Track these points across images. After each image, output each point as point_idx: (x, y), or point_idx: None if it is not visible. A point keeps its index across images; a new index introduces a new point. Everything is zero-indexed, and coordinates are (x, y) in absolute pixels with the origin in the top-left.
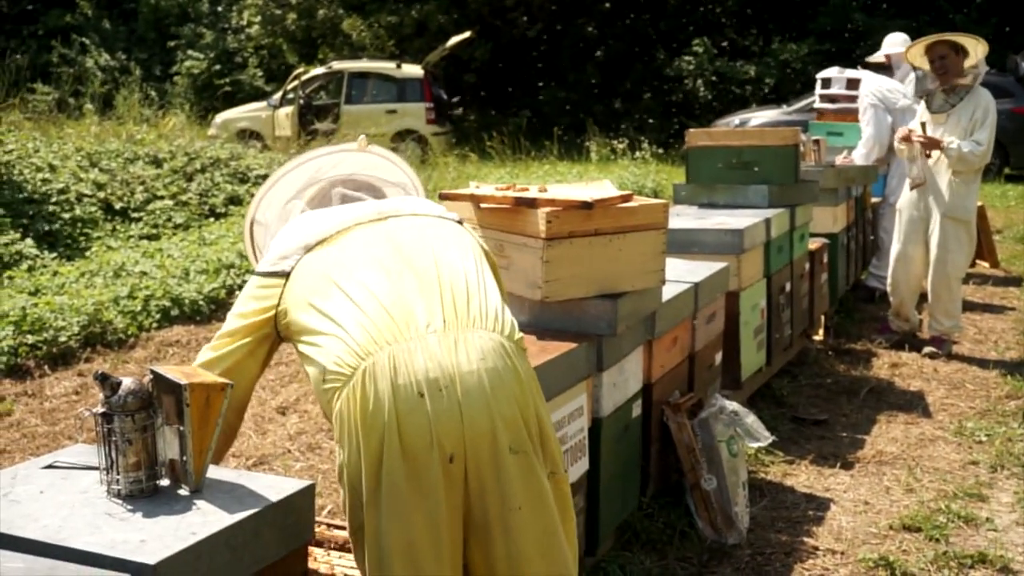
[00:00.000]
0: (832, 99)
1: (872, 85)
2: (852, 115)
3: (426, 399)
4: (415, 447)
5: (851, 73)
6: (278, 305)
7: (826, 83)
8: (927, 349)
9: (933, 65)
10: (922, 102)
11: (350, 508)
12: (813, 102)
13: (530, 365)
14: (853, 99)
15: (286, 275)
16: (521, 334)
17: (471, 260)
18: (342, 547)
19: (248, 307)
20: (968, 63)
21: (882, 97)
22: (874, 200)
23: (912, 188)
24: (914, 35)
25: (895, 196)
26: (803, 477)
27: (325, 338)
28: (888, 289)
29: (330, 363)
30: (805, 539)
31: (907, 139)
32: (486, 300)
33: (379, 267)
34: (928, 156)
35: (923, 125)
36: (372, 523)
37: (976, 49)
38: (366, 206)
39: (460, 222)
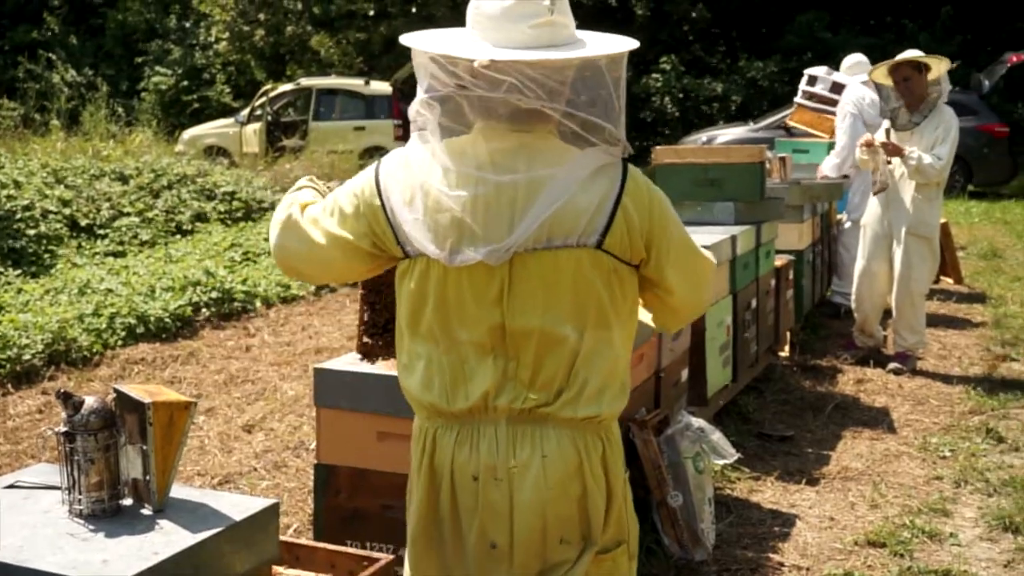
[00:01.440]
0: (813, 97)
1: (855, 95)
2: (826, 120)
3: (479, 484)
4: (464, 519)
5: (838, 76)
6: (394, 257)
7: (812, 80)
8: (892, 365)
9: (898, 86)
10: (886, 120)
11: (408, 509)
12: (780, 119)
13: (612, 446)
14: (833, 103)
15: (405, 255)
16: (614, 413)
17: (586, 332)
18: (306, 566)
19: (367, 229)
20: (931, 78)
21: (862, 109)
22: (837, 217)
23: (875, 193)
24: (878, 53)
25: (857, 213)
26: (769, 493)
27: (410, 370)
28: (852, 305)
29: (410, 393)
30: (771, 555)
31: (869, 145)
32: (580, 395)
33: (478, 340)
34: (888, 163)
35: (887, 132)
36: (412, 557)
37: (939, 66)
38: (505, 214)
39: (600, 243)
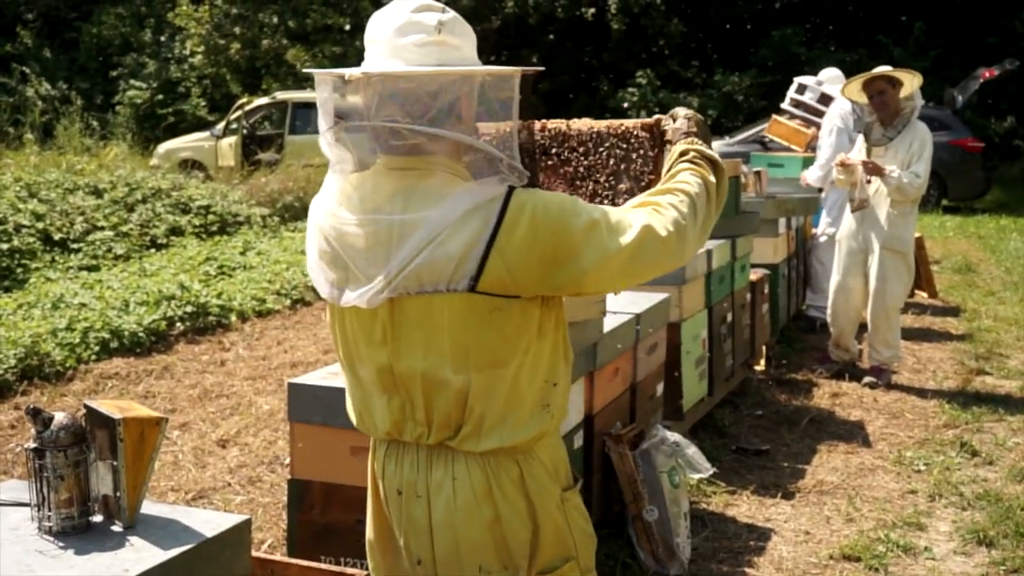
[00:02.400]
0: (800, 105)
1: (843, 108)
2: (801, 134)
3: (402, 499)
4: (394, 530)
5: (828, 88)
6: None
7: (801, 89)
8: (867, 379)
9: (872, 101)
10: (860, 135)
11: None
12: (755, 134)
13: (531, 468)
14: (819, 113)
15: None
16: (524, 438)
17: (470, 373)
18: None
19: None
20: (903, 93)
21: (848, 123)
22: (812, 231)
23: (854, 211)
24: (853, 68)
25: (833, 227)
26: (745, 507)
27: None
28: (828, 320)
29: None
30: (747, 569)
31: (845, 164)
32: (479, 429)
33: (376, 380)
34: (869, 182)
35: (868, 150)
36: (370, 555)
37: (912, 81)
38: (391, 250)
39: (472, 287)
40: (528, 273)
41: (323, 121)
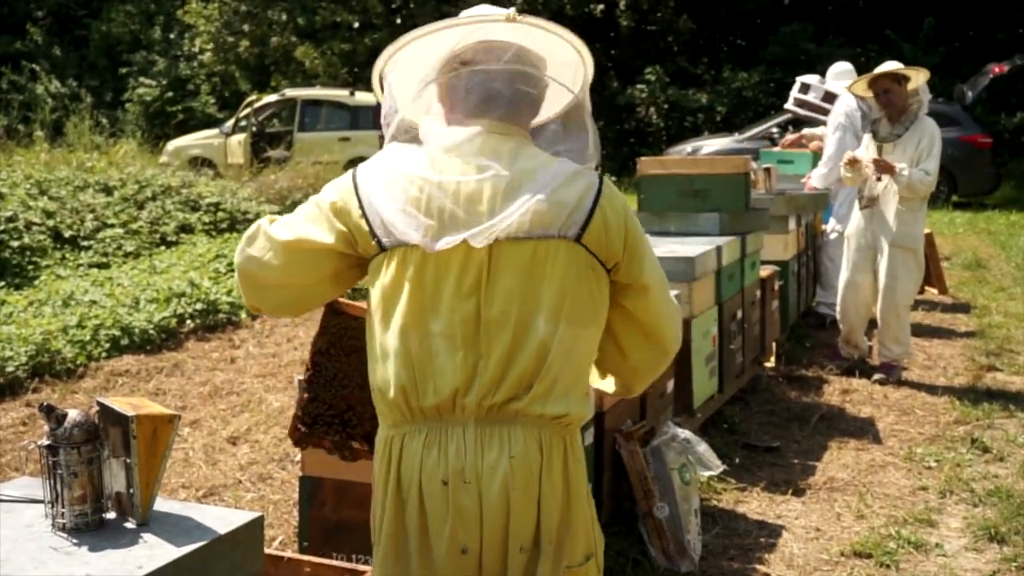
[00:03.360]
0: (804, 105)
1: (847, 105)
2: (812, 129)
3: (449, 488)
4: (432, 528)
5: (831, 86)
6: (364, 256)
7: (804, 88)
8: (877, 376)
9: (878, 98)
10: (868, 133)
11: (373, 530)
12: (765, 130)
13: (571, 448)
14: (825, 112)
15: (381, 248)
16: (580, 417)
17: (563, 322)
18: None
19: (340, 227)
20: (910, 88)
21: (853, 120)
22: (822, 227)
23: (863, 208)
24: (862, 64)
25: (843, 224)
26: (755, 504)
27: (379, 366)
28: (838, 316)
29: (379, 393)
30: (757, 566)
31: (853, 163)
32: (549, 392)
33: (451, 332)
34: (879, 179)
35: (878, 148)
36: (381, 568)
37: (918, 77)
38: (487, 200)
39: (579, 236)
40: (617, 241)
41: (431, 71)
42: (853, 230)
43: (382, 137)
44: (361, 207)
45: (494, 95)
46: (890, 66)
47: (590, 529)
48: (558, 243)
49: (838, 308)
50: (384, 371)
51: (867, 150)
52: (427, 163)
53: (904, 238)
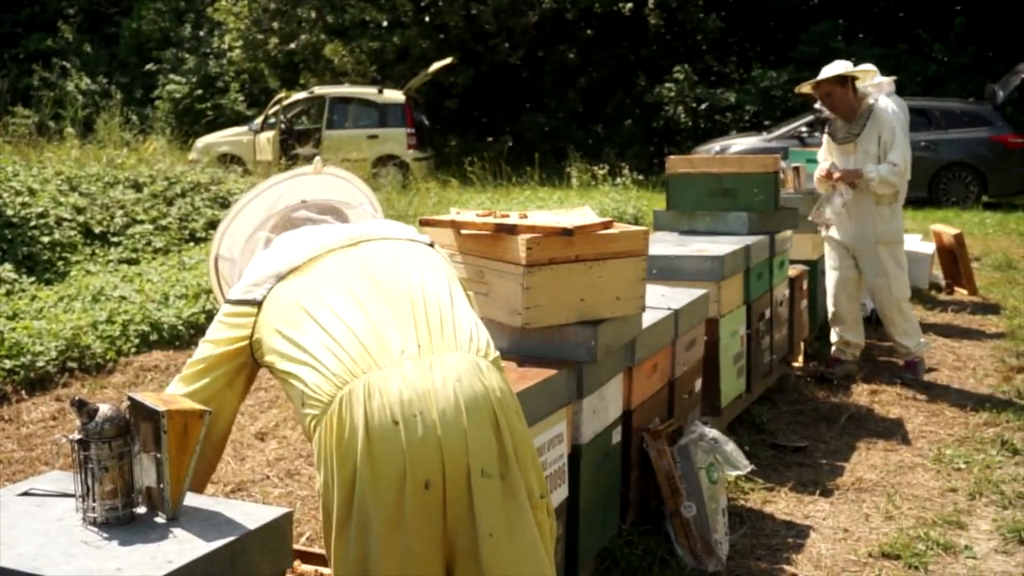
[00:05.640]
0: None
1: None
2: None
3: (400, 426)
4: (388, 476)
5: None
6: (251, 335)
7: None
8: (903, 376)
9: (824, 102)
10: (826, 136)
11: (325, 534)
12: (793, 129)
13: (507, 383)
14: None
15: (258, 304)
16: (497, 352)
17: (443, 280)
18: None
19: (221, 335)
20: (860, 85)
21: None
22: None
23: (821, 226)
24: (892, 63)
25: None
26: (783, 504)
27: (301, 367)
28: (829, 320)
29: (308, 392)
30: (785, 567)
31: (828, 177)
32: (459, 320)
33: (351, 295)
34: (853, 186)
35: (856, 156)
36: (341, 552)
37: (863, 75)
38: (337, 231)
39: (431, 244)
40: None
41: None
42: (827, 232)
43: (409, 134)
44: (229, 303)
45: (314, 223)
46: (832, 70)
47: (539, 466)
48: (418, 244)
49: (830, 310)
50: (306, 368)
51: (826, 154)
52: (273, 244)
53: (887, 234)
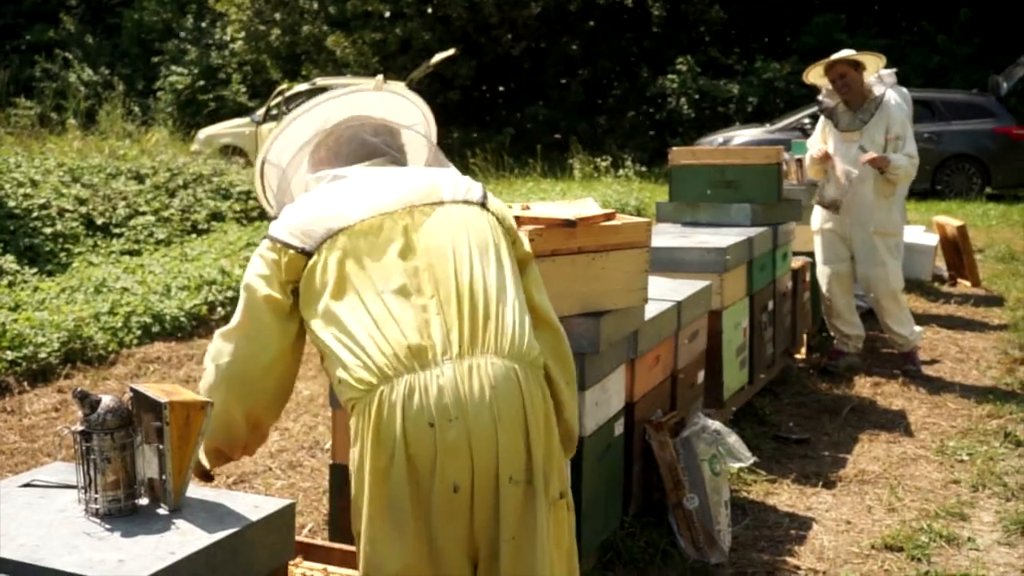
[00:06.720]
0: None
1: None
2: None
3: (435, 429)
4: (421, 474)
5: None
6: (298, 281)
7: None
8: (904, 367)
9: (835, 84)
10: (820, 120)
11: (353, 512)
12: (796, 121)
13: (542, 384)
14: None
15: (307, 254)
16: (537, 348)
17: (491, 265)
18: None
19: (265, 270)
20: (867, 75)
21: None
22: None
23: (829, 208)
24: (896, 54)
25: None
26: (785, 496)
27: (342, 348)
28: (825, 313)
29: (347, 374)
30: (787, 558)
31: (824, 159)
32: (504, 318)
33: (400, 282)
34: (880, 172)
35: (861, 148)
36: (370, 537)
37: (875, 63)
38: (390, 188)
39: (483, 203)
40: (508, 215)
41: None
42: (822, 224)
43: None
44: (281, 243)
45: (366, 146)
46: (844, 53)
47: (563, 465)
48: (468, 206)
49: (825, 301)
50: (350, 343)
51: (826, 141)
52: (332, 184)
53: (885, 224)
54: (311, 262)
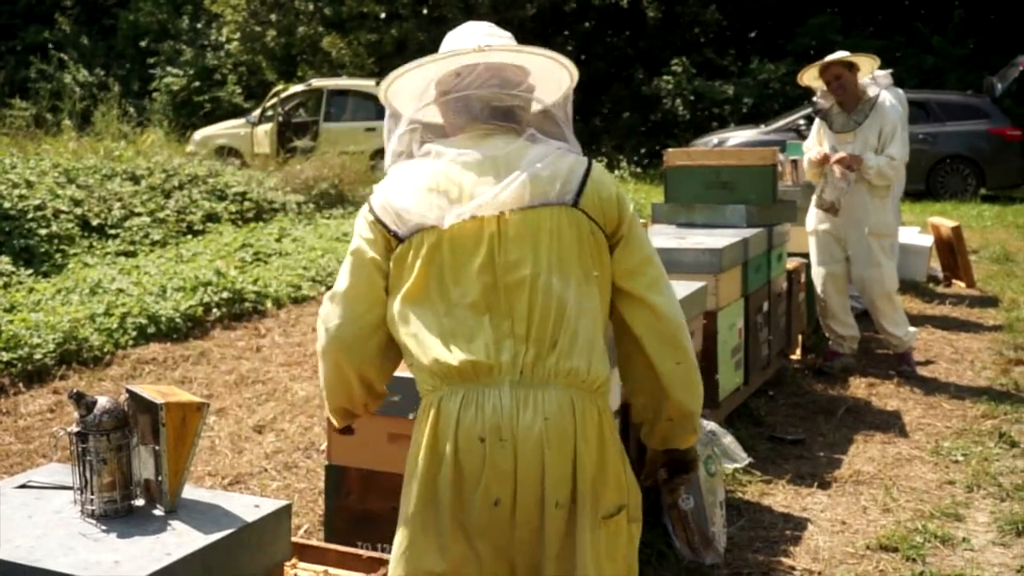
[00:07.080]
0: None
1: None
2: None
3: (486, 444)
4: (467, 482)
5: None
6: (390, 259)
7: None
8: (899, 368)
9: (830, 85)
10: (816, 122)
11: (403, 500)
12: (791, 122)
13: (604, 411)
14: None
15: (399, 239)
16: (604, 374)
17: (571, 283)
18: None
19: (371, 235)
20: (861, 76)
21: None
22: None
23: (827, 211)
24: (891, 56)
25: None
26: (780, 497)
27: (416, 346)
28: (820, 314)
29: (415, 371)
30: (782, 559)
31: (825, 161)
32: (572, 344)
33: (473, 300)
34: (851, 169)
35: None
36: (408, 536)
37: (870, 64)
38: (487, 183)
39: (575, 202)
40: (610, 208)
41: (422, 97)
42: (816, 225)
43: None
44: (375, 216)
45: (472, 110)
46: (840, 55)
47: (622, 481)
48: (559, 209)
49: (818, 304)
50: (418, 345)
51: (815, 141)
52: (434, 160)
53: (879, 226)
54: (400, 248)
